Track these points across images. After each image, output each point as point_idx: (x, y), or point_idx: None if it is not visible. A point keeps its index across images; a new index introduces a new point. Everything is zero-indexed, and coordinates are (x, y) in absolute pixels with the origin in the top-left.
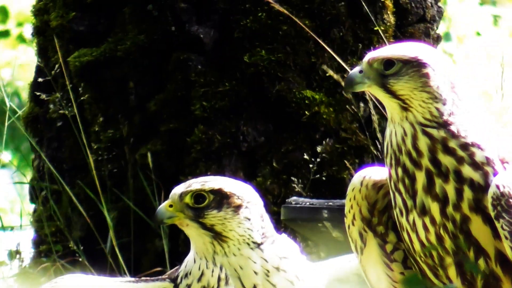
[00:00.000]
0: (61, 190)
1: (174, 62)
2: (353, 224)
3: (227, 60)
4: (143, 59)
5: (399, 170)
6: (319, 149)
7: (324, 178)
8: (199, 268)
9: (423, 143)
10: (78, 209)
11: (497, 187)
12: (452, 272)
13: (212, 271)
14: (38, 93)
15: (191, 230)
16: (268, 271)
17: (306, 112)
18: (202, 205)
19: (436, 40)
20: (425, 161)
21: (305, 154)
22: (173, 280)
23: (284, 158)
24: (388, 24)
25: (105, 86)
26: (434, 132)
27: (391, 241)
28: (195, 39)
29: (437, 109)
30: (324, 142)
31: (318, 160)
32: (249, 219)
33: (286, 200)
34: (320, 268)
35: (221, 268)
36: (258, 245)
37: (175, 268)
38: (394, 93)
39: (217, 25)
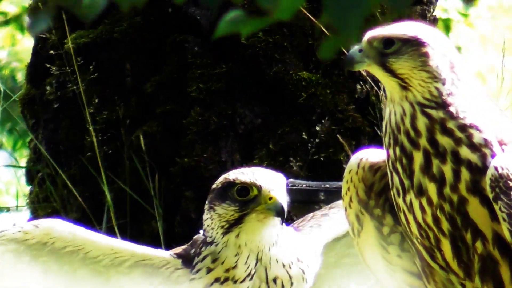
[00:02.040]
0: (57, 172)
1: (171, 44)
2: (350, 206)
3: (223, 42)
4: (139, 41)
5: (397, 150)
6: (317, 129)
7: (321, 159)
8: (236, 261)
9: (422, 123)
10: (75, 190)
11: (496, 168)
12: (448, 254)
13: (248, 266)
14: (35, 75)
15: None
16: (292, 262)
17: (303, 93)
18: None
19: (433, 22)
20: (423, 141)
21: (302, 135)
22: (182, 256)
23: (281, 140)
24: (384, 6)
25: (101, 68)
26: (433, 112)
27: (388, 224)
28: (192, 20)
29: (437, 88)
30: (321, 123)
31: (315, 141)
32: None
33: None
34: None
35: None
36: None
37: (182, 247)
38: (393, 72)
39: (214, 7)
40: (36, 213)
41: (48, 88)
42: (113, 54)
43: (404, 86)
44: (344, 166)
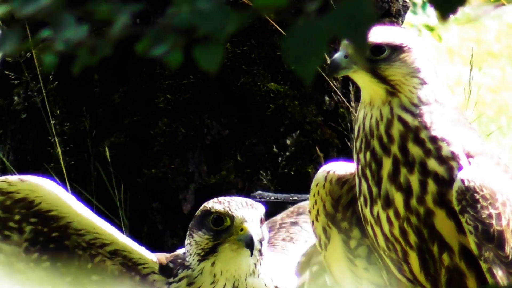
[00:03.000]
0: None
1: (138, 55)
2: (317, 219)
3: (191, 53)
4: None
5: (368, 155)
6: (285, 142)
7: (290, 172)
8: (211, 273)
9: (396, 129)
10: None
11: (462, 181)
12: (416, 267)
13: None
14: (2, 84)
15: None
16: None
17: (271, 105)
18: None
19: None
20: (395, 148)
21: (269, 147)
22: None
23: (248, 151)
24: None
25: (69, 78)
26: (409, 119)
27: (355, 237)
28: None
29: (425, 95)
30: (289, 135)
31: (285, 154)
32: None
33: (251, 194)
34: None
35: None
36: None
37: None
38: (384, 78)
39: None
40: None
41: (15, 98)
42: None
43: (393, 92)
44: (312, 178)
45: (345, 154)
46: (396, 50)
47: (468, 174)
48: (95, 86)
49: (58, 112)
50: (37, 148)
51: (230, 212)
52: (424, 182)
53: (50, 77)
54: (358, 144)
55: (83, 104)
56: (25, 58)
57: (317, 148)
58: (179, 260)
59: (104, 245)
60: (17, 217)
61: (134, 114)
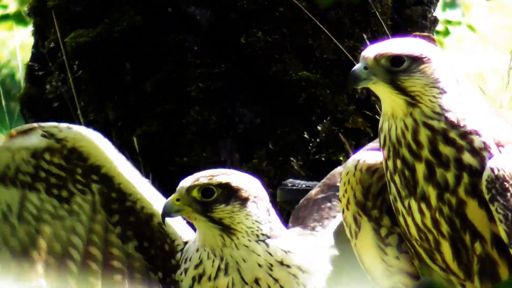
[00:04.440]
0: None
1: (170, 43)
2: (347, 208)
3: (223, 41)
4: (139, 40)
5: (398, 162)
6: (317, 130)
7: (322, 159)
8: (199, 257)
9: (424, 135)
10: None
11: (492, 170)
12: (448, 256)
13: (213, 261)
14: (34, 74)
15: (200, 223)
16: (271, 264)
17: (303, 93)
18: (210, 199)
19: (433, 22)
20: (425, 153)
21: (301, 136)
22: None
23: (280, 140)
24: (386, 6)
25: (101, 67)
26: (435, 123)
27: (386, 225)
28: (191, 20)
29: (446, 103)
30: (321, 124)
31: (316, 141)
32: (256, 212)
33: (282, 182)
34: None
35: (221, 259)
36: (267, 238)
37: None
38: (404, 89)
39: (213, 6)
40: None
41: (47, 87)
42: (113, 53)
43: (413, 103)
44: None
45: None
46: (416, 61)
47: (498, 163)
48: (127, 75)
49: (88, 100)
50: None
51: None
52: (459, 176)
53: (74, 66)
54: (385, 152)
55: (115, 92)
56: (49, 48)
57: (342, 138)
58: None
59: (143, 207)
60: (79, 170)
61: (166, 103)
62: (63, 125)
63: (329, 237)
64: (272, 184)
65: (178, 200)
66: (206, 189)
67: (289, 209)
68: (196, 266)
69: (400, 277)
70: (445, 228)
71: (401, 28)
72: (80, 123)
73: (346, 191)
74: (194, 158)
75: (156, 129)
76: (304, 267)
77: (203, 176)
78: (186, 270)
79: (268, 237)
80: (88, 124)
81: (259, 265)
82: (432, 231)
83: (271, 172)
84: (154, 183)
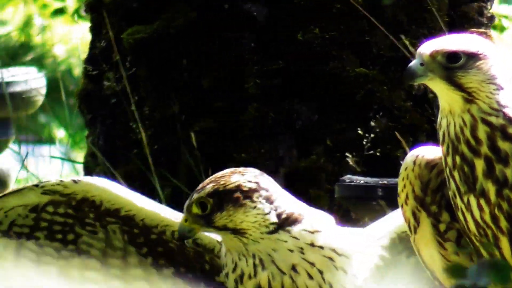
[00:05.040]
0: (114, 167)
1: (227, 40)
2: (406, 203)
3: (280, 38)
4: (196, 37)
5: (457, 158)
6: (374, 127)
7: (378, 155)
8: (232, 261)
9: (482, 131)
10: (131, 187)
11: None
12: (507, 251)
13: (246, 261)
14: (91, 70)
15: (215, 233)
16: (301, 248)
17: (360, 90)
18: (207, 212)
19: (490, 19)
20: (484, 149)
21: (358, 132)
22: None
23: (338, 136)
24: (442, 3)
25: (158, 63)
26: (493, 119)
27: (445, 220)
28: (248, 16)
29: (503, 99)
30: (377, 120)
31: (371, 137)
32: (252, 206)
33: (340, 178)
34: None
35: (253, 256)
36: (279, 225)
37: None
38: (461, 86)
39: (269, 3)
40: None
41: (105, 83)
42: (170, 50)
43: (470, 99)
44: (402, 162)
45: (434, 138)
46: (472, 57)
47: None
48: (184, 71)
49: (145, 97)
50: (126, 133)
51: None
52: None
53: (128, 63)
54: (444, 148)
55: (172, 89)
56: (106, 45)
57: (409, 133)
58: None
59: (174, 232)
60: (91, 215)
61: (223, 99)
62: (69, 181)
63: (379, 229)
64: (330, 180)
65: (186, 221)
66: (201, 203)
67: (347, 205)
68: (234, 270)
69: None
70: (504, 224)
71: (457, 25)
72: (135, 120)
73: (404, 186)
74: (252, 155)
75: (214, 125)
76: (339, 249)
77: (196, 190)
78: (227, 275)
79: (281, 224)
80: (144, 121)
81: (290, 251)
82: (491, 227)
83: (329, 168)
84: None
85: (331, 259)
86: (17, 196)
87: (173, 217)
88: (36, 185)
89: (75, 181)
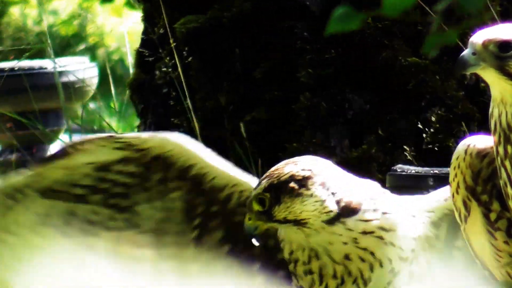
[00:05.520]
0: None
1: (280, 30)
2: (457, 192)
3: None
4: (249, 26)
5: (509, 148)
6: (426, 117)
7: (434, 148)
8: (290, 246)
9: None
10: None
11: None
12: None
13: (303, 250)
14: (144, 60)
15: (278, 228)
16: (355, 238)
17: (412, 80)
18: (266, 207)
19: None
20: None
21: (411, 122)
22: None
23: (390, 126)
24: None
25: (210, 53)
26: None
27: (495, 210)
28: (301, 6)
29: None
30: (430, 110)
31: (426, 129)
32: (309, 194)
33: (392, 168)
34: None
35: (311, 248)
36: (338, 214)
37: None
38: None
39: None
40: None
41: (157, 72)
42: (222, 40)
43: None
44: (453, 152)
45: (486, 128)
46: None
47: None
48: (236, 61)
49: (197, 87)
50: (177, 123)
51: None
52: None
53: (184, 52)
54: (496, 138)
55: (225, 79)
56: (159, 34)
57: (462, 123)
58: None
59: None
60: (158, 176)
61: (276, 89)
62: (146, 135)
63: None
64: (381, 170)
65: (249, 219)
66: (260, 199)
67: (398, 195)
68: (290, 254)
69: (509, 261)
70: None
71: (510, 14)
72: (188, 110)
73: (456, 175)
74: (304, 144)
75: (265, 115)
76: (387, 225)
77: (254, 188)
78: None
79: (340, 214)
80: (196, 110)
81: (344, 243)
82: None
83: (380, 158)
84: (263, 169)
85: (380, 237)
86: (86, 154)
87: (244, 177)
88: (111, 136)
89: (152, 136)
